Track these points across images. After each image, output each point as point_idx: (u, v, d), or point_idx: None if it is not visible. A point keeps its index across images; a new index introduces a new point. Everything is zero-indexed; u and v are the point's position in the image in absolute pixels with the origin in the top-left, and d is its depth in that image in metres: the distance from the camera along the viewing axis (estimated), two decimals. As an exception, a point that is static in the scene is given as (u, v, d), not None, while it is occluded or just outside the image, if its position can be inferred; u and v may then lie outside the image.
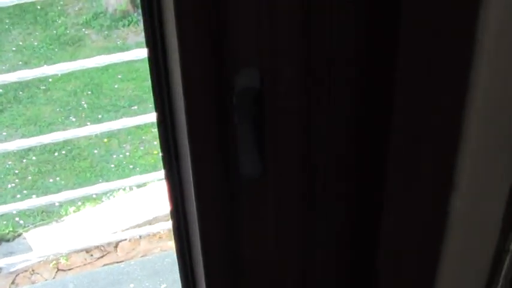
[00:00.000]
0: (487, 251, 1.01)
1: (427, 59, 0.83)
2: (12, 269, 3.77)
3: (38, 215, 5.04)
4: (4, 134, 5.70)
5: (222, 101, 0.84)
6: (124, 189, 4.54)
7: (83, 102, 5.70)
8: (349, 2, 0.81)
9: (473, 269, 1.02)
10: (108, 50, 5.82)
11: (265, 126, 0.87)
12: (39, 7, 6.43)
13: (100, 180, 5.12)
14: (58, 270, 4.07)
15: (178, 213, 0.97)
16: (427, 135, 0.89)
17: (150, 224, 3.88)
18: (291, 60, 0.84)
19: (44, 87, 5.78)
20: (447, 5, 0.80)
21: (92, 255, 4.04)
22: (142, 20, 0.93)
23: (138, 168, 5.27)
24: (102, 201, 4.69)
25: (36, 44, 6.20)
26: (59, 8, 6.29)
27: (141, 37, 5.99)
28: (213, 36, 0.80)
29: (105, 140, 5.44)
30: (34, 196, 4.92)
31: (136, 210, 4.11)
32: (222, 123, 0.86)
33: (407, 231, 0.97)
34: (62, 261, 4.03)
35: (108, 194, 4.68)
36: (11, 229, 4.43)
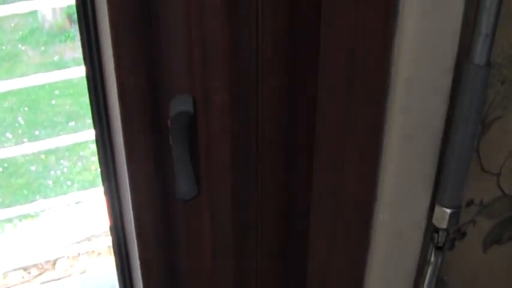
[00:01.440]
0: (411, 260, 1.07)
1: (346, 78, 0.89)
2: None
3: (-27, 234, 4.95)
4: None
5: (159, 125, 0.89)
6: (62, 206, 4.51)
7: (20, 119, 5.63)
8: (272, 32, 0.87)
9: (397, 278, 1.08)
10: (45, 66, 5.77)
11: (198, 148, 0.92)
12: (-27, 23, 6.35)
13: (37, 197, 5.06)
14: (-5, 289, 4.01)
15: (117, 229, 1.01)
16: (349, 152, 0.95)
17: (89, 241, 3.86)
18: (220, 86, 0.89)
19: (-21, 104, 5.71)
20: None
21: (29, 273, 4.00)
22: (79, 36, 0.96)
23: (76, 185, 5.23)
24: (40, 218, 4.64)
25: (-29, 60, 6.11)
26: (-6, 23, 6.22)
27: (78, 53, 5.95)
28: (149, 65, 0.84)
29: (43, 156, 5.38)
30: (-30, 214, 4.83)
31: (74, 226, 4.08)
32: (159, 145, 0.90)
33: (334, 245, 1.02)
34: (-1, 280, 3.98)
35: (45, 211, 4.63)
36: None
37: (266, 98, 0.92)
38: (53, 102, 5.75)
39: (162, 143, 0.90)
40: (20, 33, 6.18)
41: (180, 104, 0.88)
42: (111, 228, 1.01)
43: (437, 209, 1.02)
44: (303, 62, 0.89)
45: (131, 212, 0.94)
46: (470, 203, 1.12)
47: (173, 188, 0.93)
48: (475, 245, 1.21)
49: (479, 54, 0.89)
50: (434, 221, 1.04)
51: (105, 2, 0.77)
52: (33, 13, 6.26)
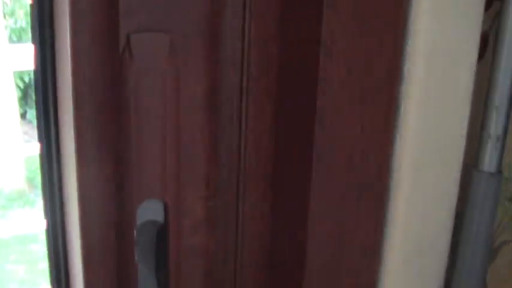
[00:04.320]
0: None
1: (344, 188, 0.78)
2: None
3: None
4: None
5: (123, 238, 0.76)
6: None
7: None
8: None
9: None
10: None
11: (167, 264, 0.79)
12: None
13: None
14: None
15: None
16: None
17: None
18: (197, 191, 0.77)
19: None
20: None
21: None
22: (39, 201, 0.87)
23: None
24: None
25: None
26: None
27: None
28: (117, 164, 0.73)
29: (-8, 326, 5.10)
30: None
31: None
32: (123, 263, 0.77)
33: None
34: None
35: None
36: None
37: (247, 217, 0.80)
38: (8, 267, 5.54)
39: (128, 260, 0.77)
40: (-22, 196, 6.06)
41: (150, 211, 0.76)
42: None
43: None
44: (290, 171, 0.78)
45: None
46: None
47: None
48: None
49: (488, 160, 0.79)
50: None
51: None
52: (-7, 176, 6.19)
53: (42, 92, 0.86)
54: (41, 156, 0.89)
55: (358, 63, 0.71)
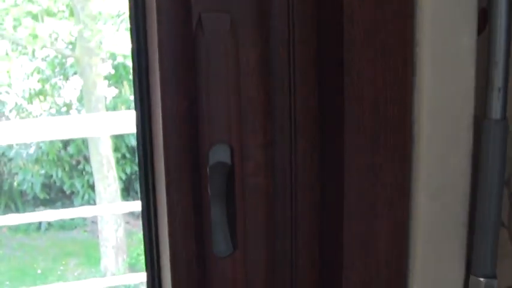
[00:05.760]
0: None
1: (370, 134, 0.96)
2: None
3: None
4: None
5: (198, 177, 0.97)
6: None
7: None
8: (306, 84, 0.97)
9: None
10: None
11: (235, 202, 0.98)
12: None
13: None
14: None
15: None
16: (379, 213, 0.99)
17: None
18: (255, 143, 0.97)
19: None
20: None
21: None
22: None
23: None
24: None
25: None
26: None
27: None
28: (190, 114, 0.95)
29: None
30: None
31: None
32: (198, 197, 0.97)
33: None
34: None
35: None
36: None
37: (300, 162, 0.99)
38: None
39: (202, 196, 0.97)
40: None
41: (219, 154, 0.96)
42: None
43: (471, 279, 1.03)
44: (330, 122, 0.98)
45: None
46: (510, 291, 1.11)
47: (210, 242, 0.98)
48: None
49: (494, 109, 0.97)
50: (470, 295, 1.04)
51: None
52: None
53: (143, 152, 1.08)
54: (142, 212, 1.10)
55: (376, 28, 0.92)
